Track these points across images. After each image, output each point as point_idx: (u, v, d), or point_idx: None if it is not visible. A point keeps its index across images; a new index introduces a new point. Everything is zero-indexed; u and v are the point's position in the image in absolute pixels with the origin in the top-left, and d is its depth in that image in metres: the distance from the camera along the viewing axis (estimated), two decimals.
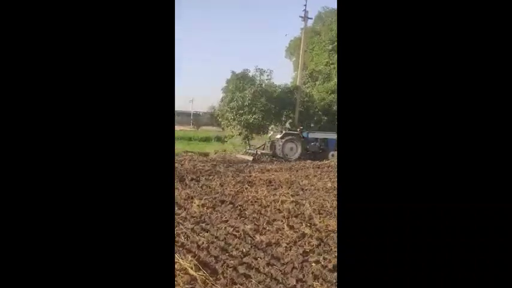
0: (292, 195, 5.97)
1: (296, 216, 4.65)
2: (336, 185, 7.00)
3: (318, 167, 9.98)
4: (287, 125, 13.05)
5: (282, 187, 6.78)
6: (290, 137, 12.11)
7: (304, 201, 5.52)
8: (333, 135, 13.03)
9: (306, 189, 6.61)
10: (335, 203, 5.34)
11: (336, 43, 21.29)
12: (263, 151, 12.47)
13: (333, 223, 4.25)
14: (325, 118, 14.96)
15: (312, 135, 12.78)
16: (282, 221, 4.43)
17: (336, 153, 12.53)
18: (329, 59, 21.62)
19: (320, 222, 4.37)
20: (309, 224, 4.27)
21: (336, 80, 19.23)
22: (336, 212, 4.81)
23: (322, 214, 4.75)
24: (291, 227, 4.17)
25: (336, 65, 20.71)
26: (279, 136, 12.27)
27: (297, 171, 9.30)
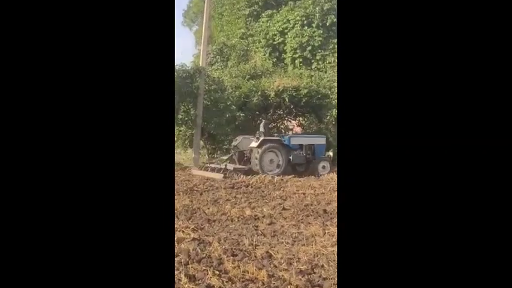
0: (193, 230, 5.94)
1: (199, 261, 4.63)
2: (256, 212, 7.22)
3: (232, 187, 10.16)
4: (261, 128, 13.14)
5: (178, 218, 6.70)
6: (270, 144, 12.42)
7: (211, 238, 5.54)
8: (320, 140, 13.53)
9: (213, 221, 6.66)
10: (256, 239, 5.49)
11: (255, 6, 22.12)
12: (236, 166, 12.52)
13: (251, 268, 4.35)
14: (242, 115, 15.30)
15: (294, 141, 13.18)
16: (177, 269, 4.36)
17: (327, 164, 13.03)
18: (246, 28, 22.29)
19: (234, 268, 4.43)
20: (217, 272, 4.29)
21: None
22: (255, 252, 4.95)
23: (236, 256, 4.83)
24: (191, 278, 4.14)
25: (261, 38, 21.53)
26: (254, 144, 12.47)
27: (201, 193, 9.33)
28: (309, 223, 6.48)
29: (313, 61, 20.12)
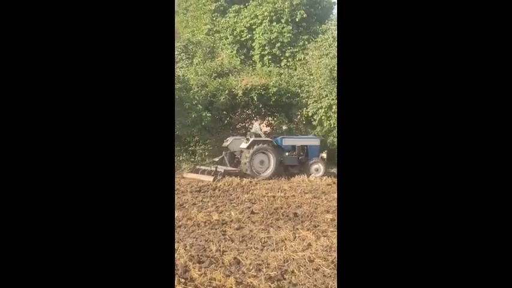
0: None
1: None
2: (224, 216, 7.21)
3: (199, 191, 10.11)
4: (255, 128, 13.17)
5: None
6: (260, 145, 12.56)
7: (177, 244, 5.50)
8: (314, 141, 13.54)
9: (179, 226, 6.61)
10: (224, 244, 5.49)
11: (221, 0, 22.06)
12: (226, 168, 12.58)
13: (219, 276, 4.35)
14: (209, 115, 15.23)
15: (287, 142, 13.36)
16: None
17: (321, 166, 13.00)
18: (212, 24, 22.22)
19: (201, 275, 4.42)
20: (182, 280, 4.26)
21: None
22: (223, 259, 4.94)
23: (203, 263, 4.81)
24: None
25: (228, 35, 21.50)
26: (244, 145, 12.58)
27: None
28: (279, 227, 6.53)
29: (282, 58, 20.23)
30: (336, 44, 16.02)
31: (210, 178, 11.67)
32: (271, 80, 16.82)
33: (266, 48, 20.33)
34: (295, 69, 18.39)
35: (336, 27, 16.68)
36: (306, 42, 18.61)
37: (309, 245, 5.55)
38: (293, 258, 4.93)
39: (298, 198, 9.27)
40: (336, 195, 9.56)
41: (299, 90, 16.85)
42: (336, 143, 14.70)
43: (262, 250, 5.31)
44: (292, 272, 4.51)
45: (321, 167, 13.00)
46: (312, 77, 16.65)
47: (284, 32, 20.03)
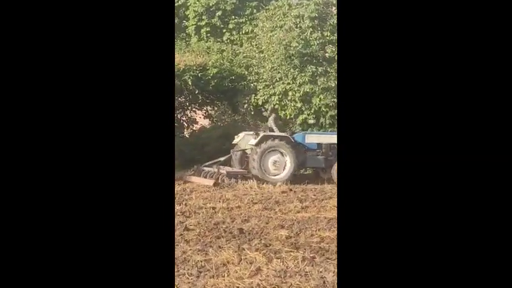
0: None
1: None
2: None
3: None
4: (270, 122, 13.35)
5: None
6: (273, 142, 12.83)
7: None
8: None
9: None
10: None
11: None
12: (230, 169, 12.97)
13: None
14: None
15: (311, 139, 13.58)
16: None
17: None
18: None
19: None
20: None
21: None
22: None
23: None
24: None
25: None
26: (253, 142, 12.95)
27: None
28: (220, 247, 6.50)
29: (224, 31, 20.17)
30: (292, 13, 16.20)
31: (211, 182, 11.91)
32: (210, 59, 16.78)
33: (203, 18, 20.21)
34: (241, 45, 18.43)
35: None
36: (255, 11, 18.69)
37: (259, 269, 5.56)
38: (237, 287, 4.93)
39: (245, 210, 9.30)
40: (292, 205, 9.69)
41: (246, 72, 16.85)
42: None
43: (198, 277, 5.27)
44: None
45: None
46: (262, 55, 16.69)
47: None
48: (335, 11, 16.24)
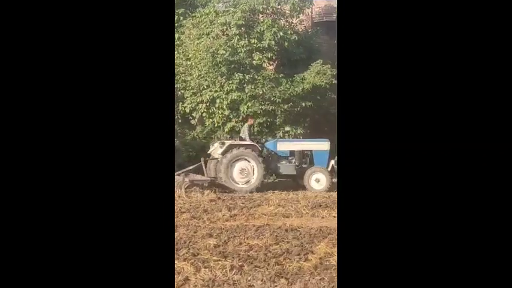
0: None
1: None
2: None
3: None
4: (244, 131, 13.43)
5: None
6: (238, 150, 12.94)
7: None
8: (321, 145, 13.37)
9: None
10: None
11: None
12: (196, 177, 12.84)
13: None
14: None
15: (283, 147, 13.69)
16: None
17: (323, 176, 12.81)
18: None
19: None
20: None
21: None
22: None
23: None
24: None
25: None
26: (219, 151, 13.11)
27: None
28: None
29: None
30: (219, 21, 16.24)
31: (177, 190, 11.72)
32: None
33: None
34: None
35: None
36: (181, 18, 18.60)
37: (186, 279, 5.51)
38: None
39: (202, 224, 9.17)
40: (221, 213, 9.67)
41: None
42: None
43: None
44: None
45: (322, 177, 12.95)
46: (189, 63, 16.61)
47: None
48: (262, 19, 16.42)
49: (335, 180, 12.71)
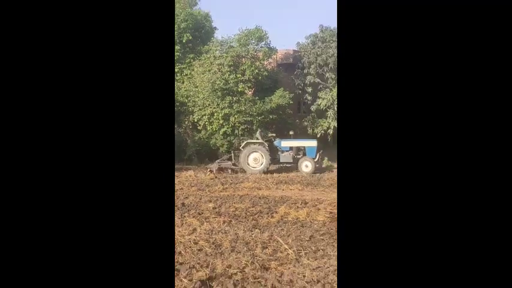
0: None
1: None
2: None
3: None
4: (257, 134, 13.70)
5: None
6: (252, 146, 13.13)
7: None
8: (311, 143, 13.47)
9: None
10: None
11: None
12: (223, 163, 13.26)
13: None
14: None
15: (285, 144, 13.68)
16: None
17: (309, 163, 12.87)
18: None
19: None
20: None
21: None
22: None
23: None
24: None
25: None
26: (241, 146, 13.42)
27: None
28: None
29: None
30: (216, 62, 16.18)
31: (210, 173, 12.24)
32: None
33: None
34: (183, 83, 18.13)
35: (216, 48, 16.85)
36: (192, 60, 18.43)
37: (194, 229, 5.49)
38: (180, 242, 4.83)
39: (186, 191, 9.14)
40: (217, 187, 9.62)
41: (186, 100, 16.74)
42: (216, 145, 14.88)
43: None
44: (180, 253, 4.42)
45: (309, 164, 13.03)
46: (196, 89, 16.66)
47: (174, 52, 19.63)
48: (244, 61, 16.37)
49: (317, 166, 13.34)
